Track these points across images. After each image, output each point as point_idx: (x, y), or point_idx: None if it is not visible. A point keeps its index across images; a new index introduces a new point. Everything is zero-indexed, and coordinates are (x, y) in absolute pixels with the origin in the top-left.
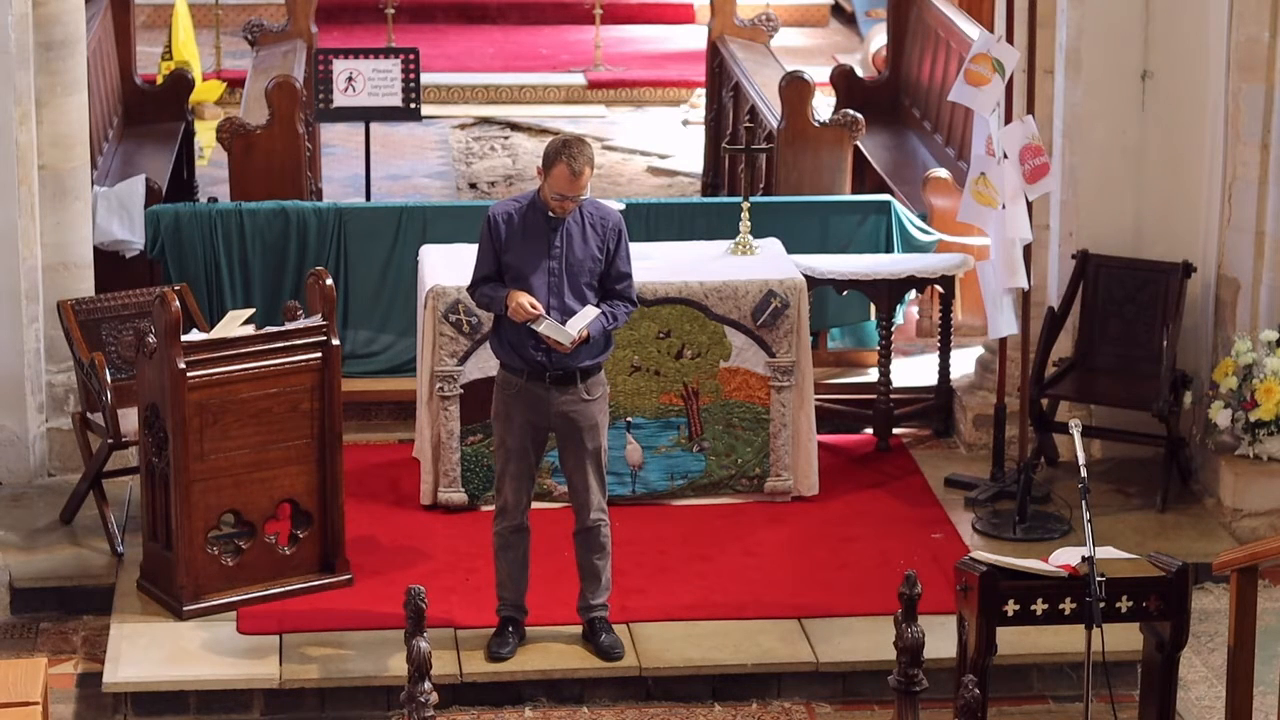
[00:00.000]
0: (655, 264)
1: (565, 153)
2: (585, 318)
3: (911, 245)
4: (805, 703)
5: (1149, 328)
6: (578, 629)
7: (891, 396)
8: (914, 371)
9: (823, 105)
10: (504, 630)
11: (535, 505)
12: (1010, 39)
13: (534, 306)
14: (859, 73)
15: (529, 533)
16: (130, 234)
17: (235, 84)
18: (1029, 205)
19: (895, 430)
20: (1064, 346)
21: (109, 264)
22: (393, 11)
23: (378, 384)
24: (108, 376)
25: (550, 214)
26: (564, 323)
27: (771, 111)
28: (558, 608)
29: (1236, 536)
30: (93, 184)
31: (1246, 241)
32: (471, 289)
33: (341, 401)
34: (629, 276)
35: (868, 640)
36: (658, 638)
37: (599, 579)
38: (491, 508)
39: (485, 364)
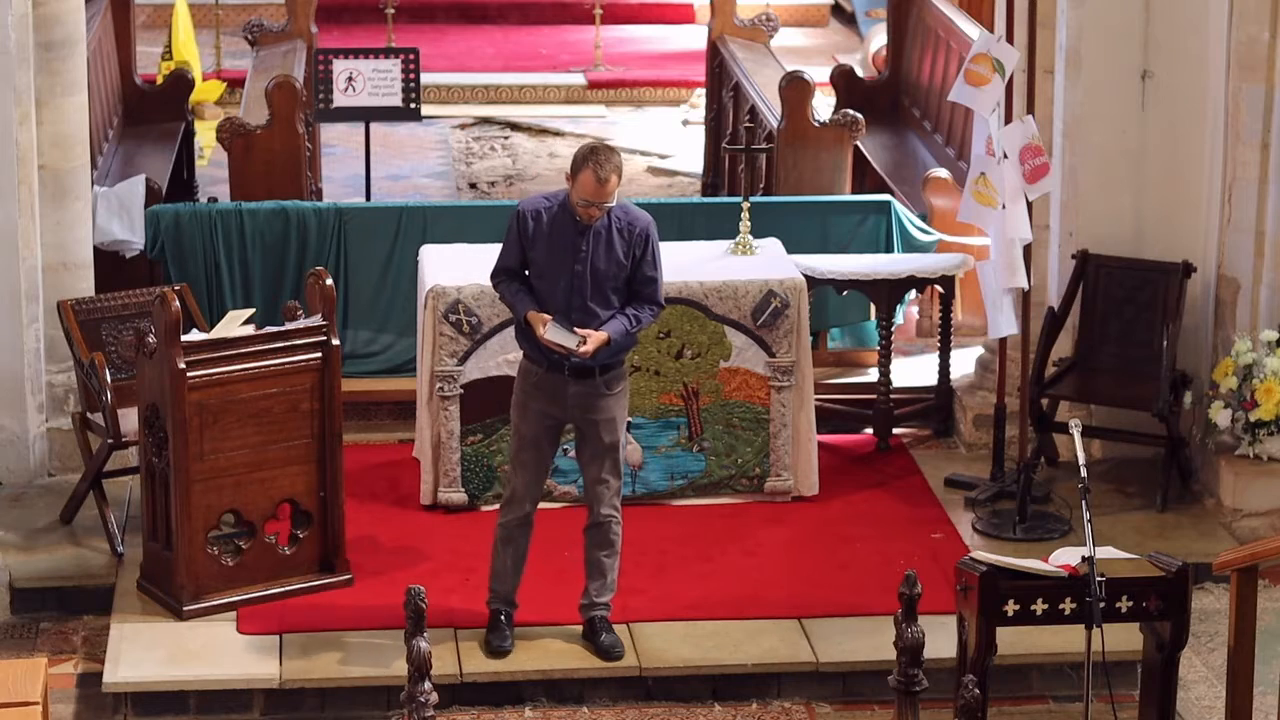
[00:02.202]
0: None
1: (592, 159)
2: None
3: (911, 245)
4: (805, 703)
5: (1149, 328)
6: (578, 629)
7: (891, 396)
8: (914, 371)
9: (823, 105)
10: (498, 624)
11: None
12: (1010, 39)
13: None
14: (859, 73)
15: (533, 527)
16: (130, 234)
17: (235, 84)
18: (1029, 205)
19: (895, 430)
20: (1064, 346)
21: (109, 264)
22: (393, 11)
23: (378, 384)
24: (108, 376)
25: (578, 220)
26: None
27: (771, 111)
28: (558, 608)
29: (1236, 536)
30: (93, 184)
31: (1246, 241)
32: (494, 278)
33: (341, 401)
34: (655, 280)
35: (868, 640)
36: (658, 638)
37: (605, 577)
38: (491, 508)
39: (485, 364)
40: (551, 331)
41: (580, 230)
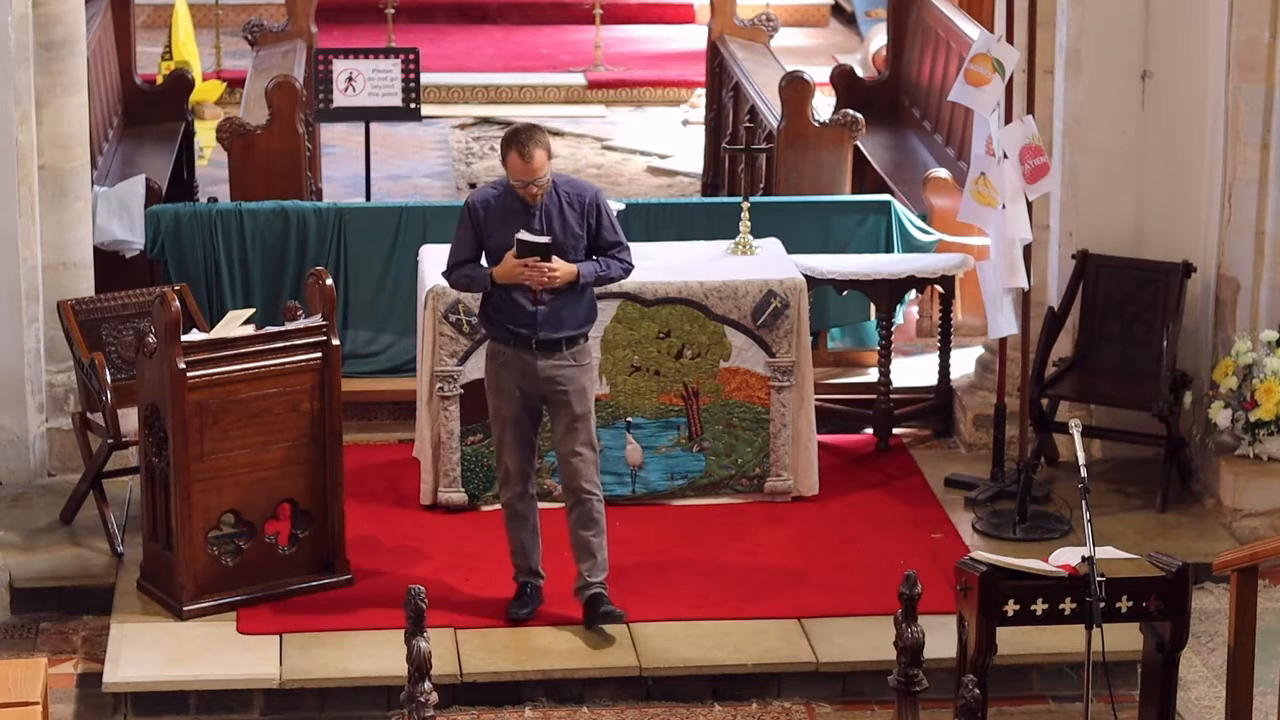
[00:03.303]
0: (655, 264)
1: (514, 142)
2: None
3: (911, 245)
4: (805, 703)
5: (1149, 328)
6: (577, 629)
7: (891, 396)
8: (914, 371)
9: (823, 105)
10: (522, 594)
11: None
12: (1010, 39)
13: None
14: (859, 73)
15: (535, 500)
16: (130, 234)
17: (235, 84)
18: (1029, 205)
19: (895, 430)
20: (1064, 346)
21: (109, 264)
22: (393, 11)
23: (378, 384)
24: (108, 376)
25: (525, 205)
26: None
27: (771, 111)
28: (558, 607)
29: (1236, 536)
30: (93, 184)
31: (1246, 241)
32: (448, 273)
33: (341, 401)
34: (620, 243)
35: (868, 640)
36: (658, 638)
37: (594, 557)
38: (492, 508)
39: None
40: (523, 234)
41: (530, 210)
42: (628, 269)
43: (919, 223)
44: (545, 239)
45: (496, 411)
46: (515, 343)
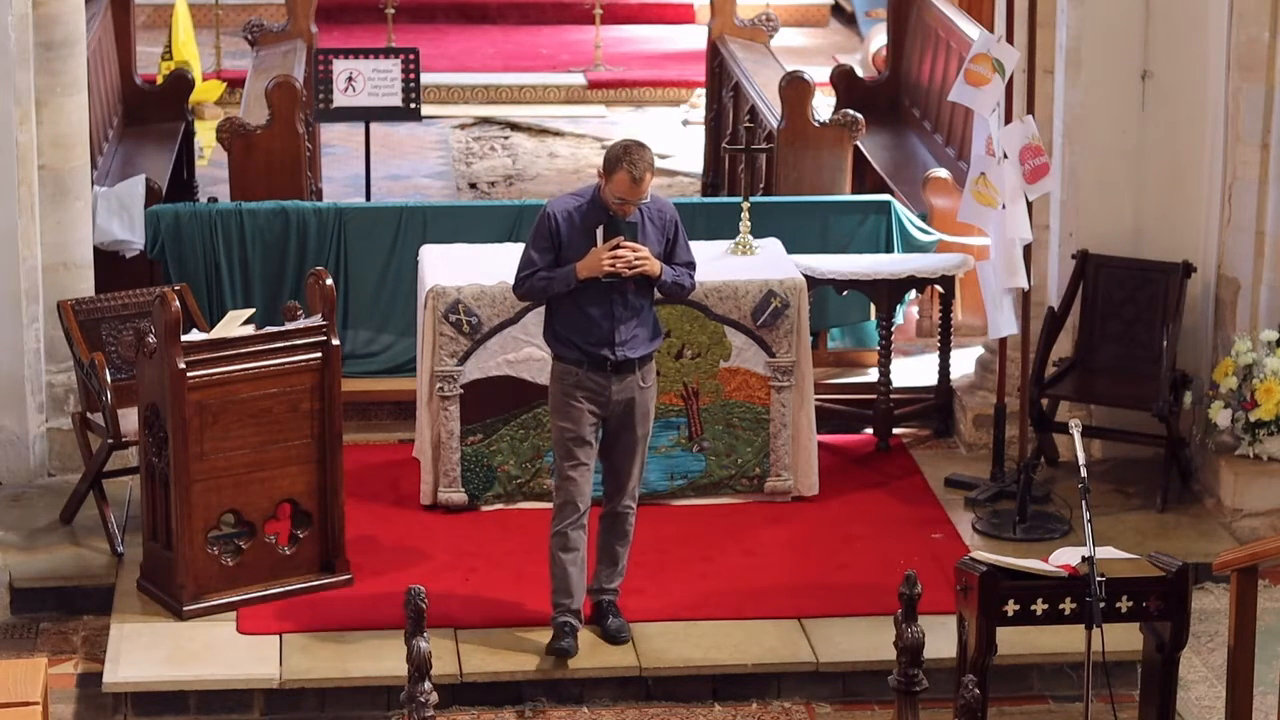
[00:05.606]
0: None
1: (626, 159)
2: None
3: (911, 245)
4: (805, 703)
5: (1149, 328)
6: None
7: (891, 396)
8: (914, 371)
9: (823, 105)
10: (560, 635)
11: (534, 505)
12: (1010, 39)
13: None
14: (859, 73)
15: (587, 527)
16: (130, 234)
17: (235, 84)
18: (1029, 205)
19: (895, 430)
20: (1064, 346)
21: (109, 264)
22: (393, 11)
23: (378, 384)
24: (108, 376)
25: (611, 214)
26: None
27: (771, 111)
28: None
29: (1236, 536)
30: (93, 184)
31: (1246, 241)
32: (519, 285)
33: (341, 401)
34: (692, 263)
35: (868, 640)
36: (658, 638)
37: (616, 564)
38: (491, 508)
39: (485, 364)
40: (606, 233)
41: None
42: (694, 288)
43: (919, 223)
44: (634, 220)
45: (563, 435)
46: (590, 364)
